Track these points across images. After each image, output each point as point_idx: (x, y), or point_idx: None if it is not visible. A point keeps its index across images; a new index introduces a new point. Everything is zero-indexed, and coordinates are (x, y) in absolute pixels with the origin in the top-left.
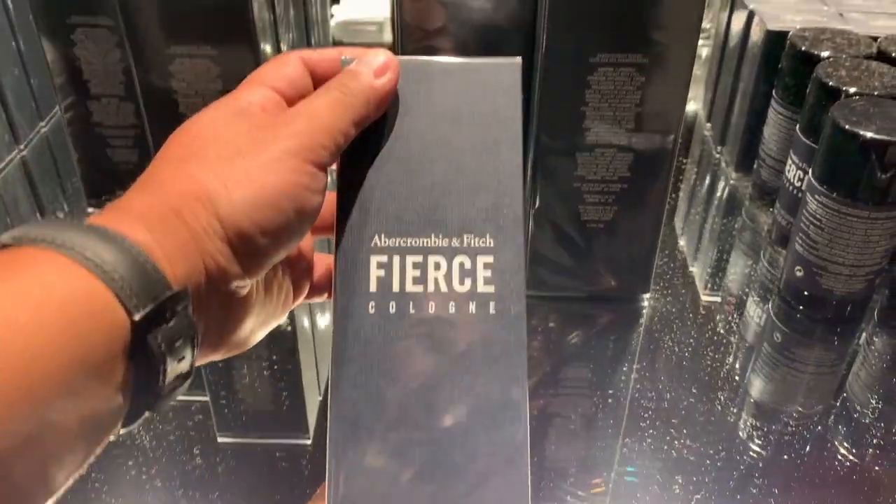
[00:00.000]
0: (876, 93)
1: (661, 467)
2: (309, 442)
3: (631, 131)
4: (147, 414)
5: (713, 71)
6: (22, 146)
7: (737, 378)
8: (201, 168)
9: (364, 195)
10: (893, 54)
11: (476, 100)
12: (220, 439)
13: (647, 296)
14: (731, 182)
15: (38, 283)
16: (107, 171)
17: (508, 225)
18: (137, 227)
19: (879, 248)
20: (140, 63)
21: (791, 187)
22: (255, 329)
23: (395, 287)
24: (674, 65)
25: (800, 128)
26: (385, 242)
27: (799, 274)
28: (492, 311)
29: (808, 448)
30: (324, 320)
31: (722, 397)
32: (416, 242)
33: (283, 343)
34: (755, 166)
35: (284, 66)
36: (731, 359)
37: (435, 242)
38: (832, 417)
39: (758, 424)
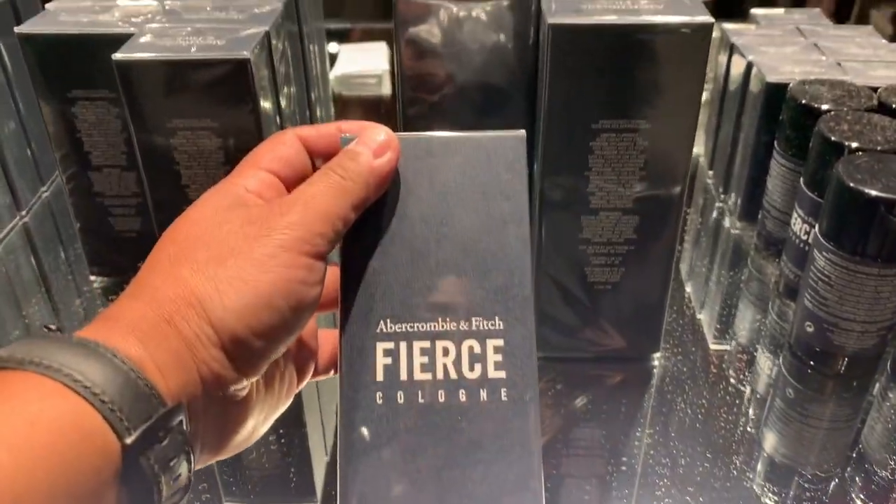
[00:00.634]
0: (879, 147)
1: None
2: None
3: (635, 194)
4: None
5: (713, 117)
6: (23, 212)
7: (752, 438)
8: (193, 271)
9: (368, 279)
10: (894, 105)
11: (480, 175)
12: None
13: (657, 355)
14: (736, 231)
15: (22, 415)
16: (109, 240)
17: (518, 306)
18: (129, 338)
19: (891, 305)
20: (141, 136)
21: (798, 240)
22: (258, 425)
23: (403, 375)
24: (676, 129)
25: (804, 182)
26: (391, 328)
27: (809, 330)
28: (504, 397)
29: None
30: (329, 379)
31: (737, 461)
32: (423, 327)
33: (289, 407)
34: (760, 216)
35: (281, 146)
36: (744, 419)
37: (443, 326)
38: (849, 474)
39: (776, 489)
